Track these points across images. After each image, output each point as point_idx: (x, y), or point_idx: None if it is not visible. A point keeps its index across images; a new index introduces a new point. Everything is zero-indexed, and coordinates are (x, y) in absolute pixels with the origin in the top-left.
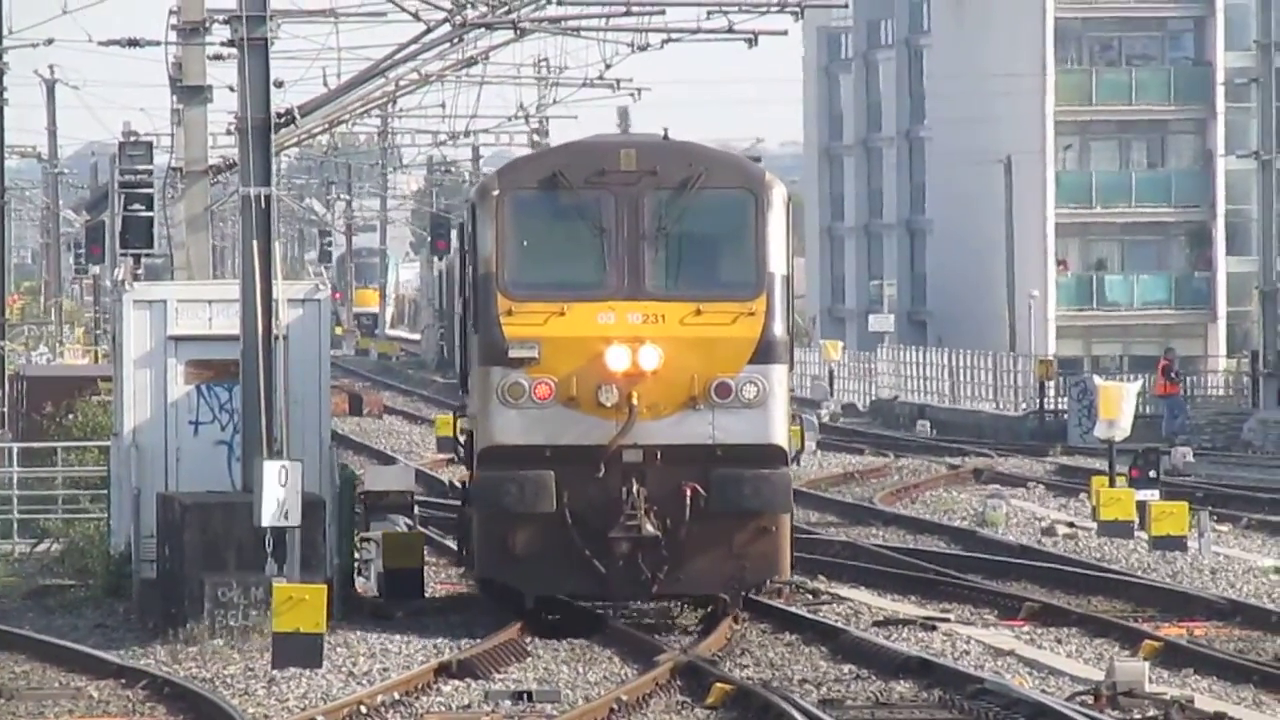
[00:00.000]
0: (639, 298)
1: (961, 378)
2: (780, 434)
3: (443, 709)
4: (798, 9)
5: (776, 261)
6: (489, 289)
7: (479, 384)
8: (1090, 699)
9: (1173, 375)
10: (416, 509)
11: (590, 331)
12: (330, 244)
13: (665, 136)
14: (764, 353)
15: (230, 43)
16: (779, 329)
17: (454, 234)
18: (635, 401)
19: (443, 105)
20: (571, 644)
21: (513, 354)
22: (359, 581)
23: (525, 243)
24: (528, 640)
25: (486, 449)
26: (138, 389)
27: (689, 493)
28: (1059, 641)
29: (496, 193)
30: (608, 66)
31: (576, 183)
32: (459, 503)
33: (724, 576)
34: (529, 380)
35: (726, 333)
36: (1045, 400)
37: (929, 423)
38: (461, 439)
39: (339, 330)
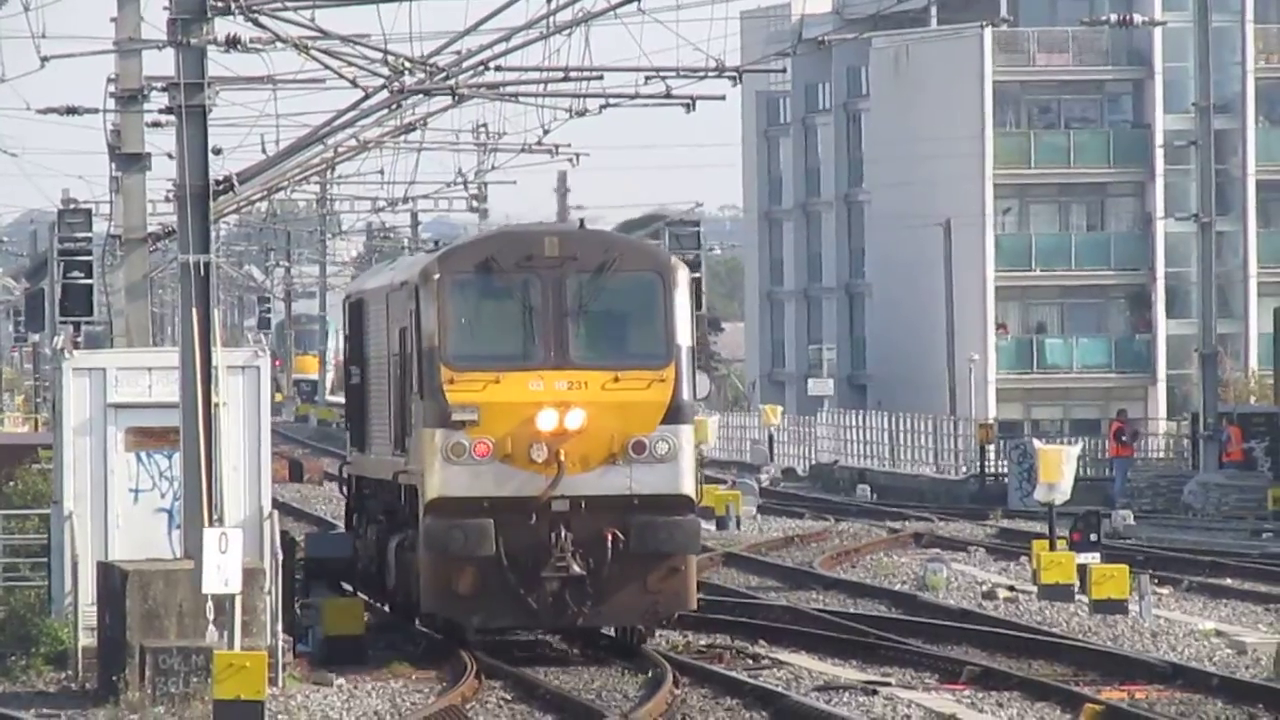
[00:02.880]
0: (564, 367)
1: (902, 441)
2: (689, 485)
3: None
4: (735, 74)
5: (683, 334)
6: (433, 360)
7: (424, 444)
8: None
9: (1124, 438)
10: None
11: (523, 397)
12: (270, 310)
13: (581, 225)
14: (674, 414)
15: (168, 110)
16: (686, 393)
17: (345, 311)
18: (563, 458)
19: (381, 171)
20: (513, 709)
21: (455, 417)
22: (300, 648)
23: (464, 320)
24: (469, 706)
25: (433, 501)
26: (78, 456)
27: (610, 537)
28: (1000, 705)
29: (438, 276)
30: (546, 132)
31: (507, 267)
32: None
33: (640, 610)
34: (469, 440)
35: (641, 397)
36: (986, 464)
37: (869, 487)
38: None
39: (279, 397)
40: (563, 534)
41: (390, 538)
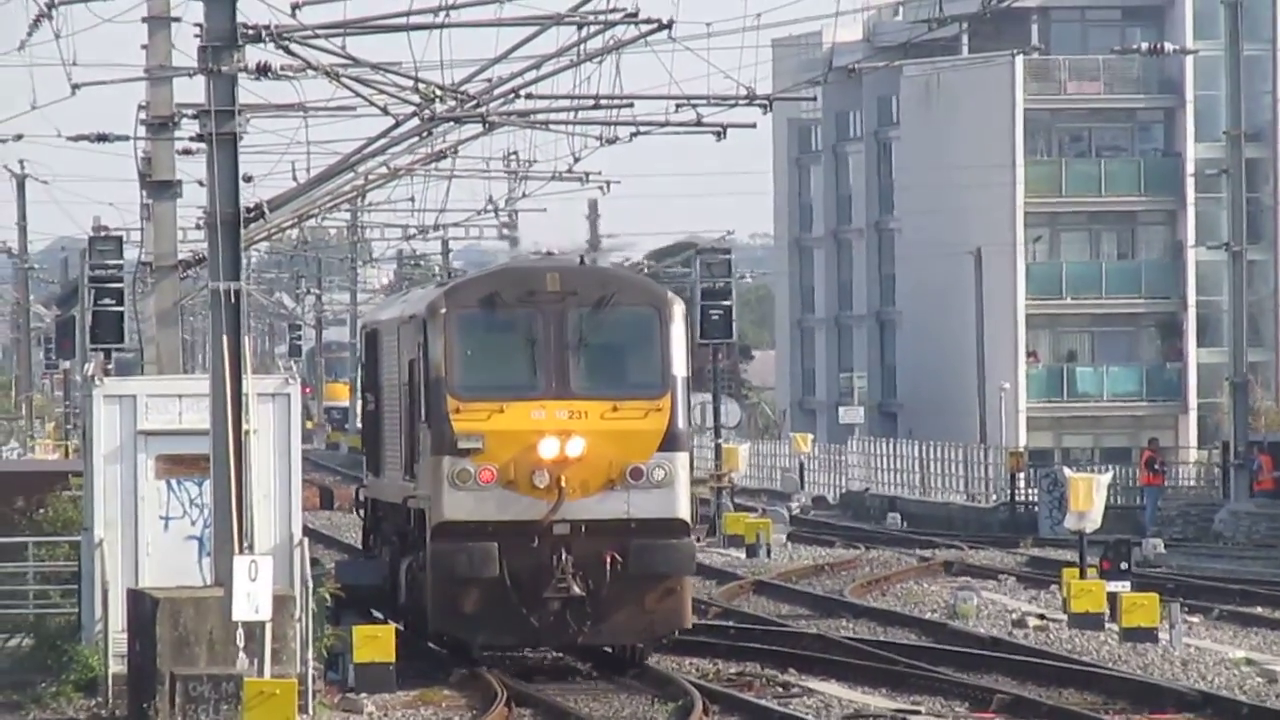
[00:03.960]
0: (565, 397)
1: (932, 469)
2: (684, 509)
3: None
4: (766, 102)
5: (678, 365)
6: (439, 391)
7: (431, 470)
8: None
9: (1156, 467)
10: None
11: (525, 425)
12: (300, 338)
13: (582, 261)
14: (670, 442)
15: (199, 137)
16: (681, 422)
17: (361, 340)
18: (563, 484)
19: (412, 199)
20: None
21: (461, 445)
22: (330, 675)
23: (469, 352)
24: None
25: (440, 524)
26: (108, 484)
27: (609, 559)
28: None
29: (444, 310)
30: (576, 159)
31: (511, 301)
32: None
33: (638, 629)
34: (475, 467)
35: (639, 426)
36: (1016, 492)
37: (899, 515)
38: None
39: (309, 424)
40: (564, 556)
41: (402, 559)
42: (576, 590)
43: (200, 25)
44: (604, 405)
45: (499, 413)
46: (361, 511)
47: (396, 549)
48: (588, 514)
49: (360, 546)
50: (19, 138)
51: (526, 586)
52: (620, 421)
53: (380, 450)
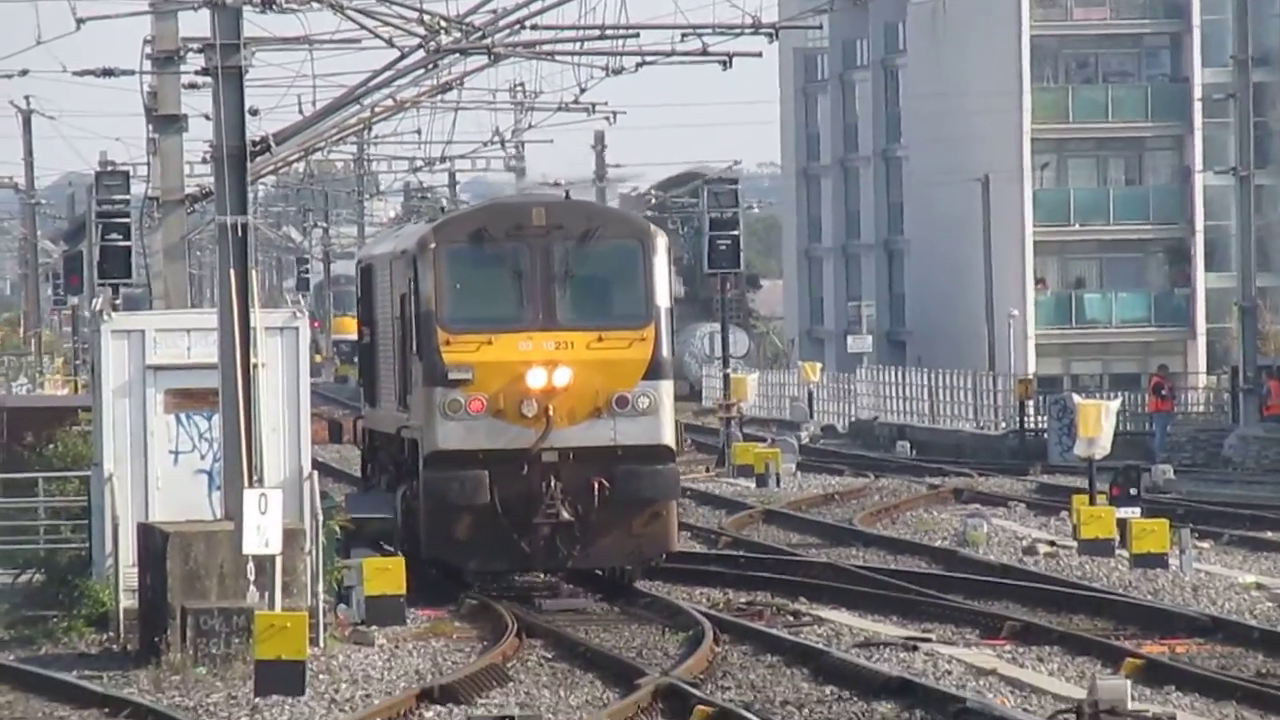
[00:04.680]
0: (552, 328)
1: (941, 397)
2: (668, 436)
3: None
4: (772, 31)
5: (661, 296)
6: (430, 324)
7: (423, 401)
8: (1073, 717)
9: (1164, 393)
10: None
11: (513, 356)
12: (308, 271)
13: (567, 196)
14: (654, 370)
15: (205, 71)
16: (665, 351)
17: (357, 274)
18: (551, 412)
19: (418, 131)
20: (553, 668)
21: (451, 376)
22: (340, 608)
23: (458, 286)
24: (509, 664)
25: (432, 454)
26: (117, 419)
27: (596, 485)
28: (1041, 660)
29: (434, 245)
30: (583, 90)
31: (498, 236)
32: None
33: (625, 552)
34: (465, 397)
35: (623, 355)
36: (1025, 419)
37: (909, 443)
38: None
39: (318, 358)
40: (552, 483)
41: (397, 487)
42: (565, 516)
43: None
44: (589, 336)
45: (488, 344)
46: (359, 443)
47: (392, 477)
48: (575, 441)
49: (360, 475)
50: (24, 73)
51: (517, 512)
52: (605, 351)
53: (376, 382)
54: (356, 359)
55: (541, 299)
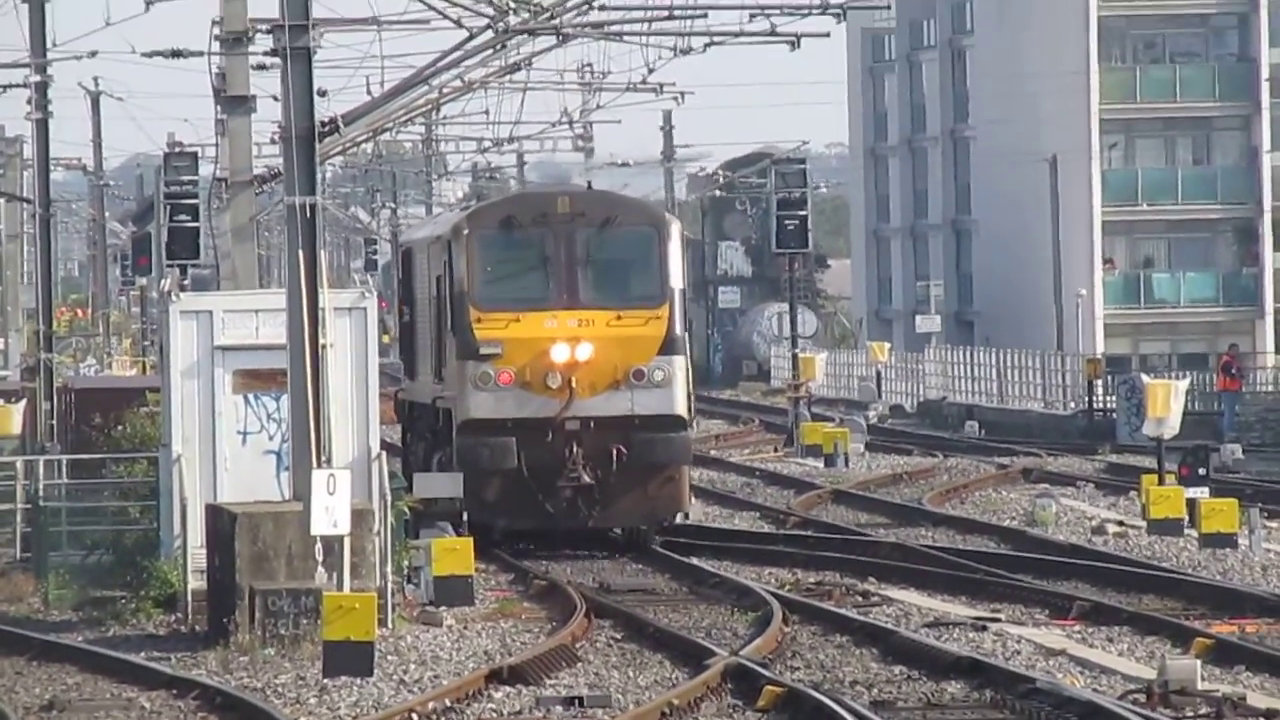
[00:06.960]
0: (575, 307)
1: (1009, 377)
2: (681, 406)
3: (494, 715)
4: (840, 11)
5: (675, 278)
6: (463, 303)
7: (456, 374)
8: (1142, 697)
9: (1233, 372)
10: (465, 515)
11: (539, 333)
12: (376, 252)
13: (589, 187)
14: (668, 346)
15: (273, 52)
16: (678, 328)
17: (398, 258)
18: (574, 384)
19: (486, 112)
20: (622, 648)
21: (483, 351)
22: (409, 589)
23: (489, 268)
24: (578, 645)
25: (464, 422)
26: (185, 399)
27: (615, 451)
28: (1110, 640)
29: (467, 231)
30: (651, 71)
31: (526, 223)
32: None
33: (642, 513)
34: (494, 370)
35: (640, 332)
36: (1094, 399)
37: (977, 423)
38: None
39: (386, 338)
40: (575, 449)
41: (433, 453)
42: (586, 479)
43: None
44: (609, 314)
45: (516, 322)
46: (399, 413)
47: (429, 444)
48: (596, 411)
49: (400, 443)
50: (93, 54)
51: (542, 476)
52: (624, 328)
53: (414, 357)
54: (398, 336)
55: (565, 280)
